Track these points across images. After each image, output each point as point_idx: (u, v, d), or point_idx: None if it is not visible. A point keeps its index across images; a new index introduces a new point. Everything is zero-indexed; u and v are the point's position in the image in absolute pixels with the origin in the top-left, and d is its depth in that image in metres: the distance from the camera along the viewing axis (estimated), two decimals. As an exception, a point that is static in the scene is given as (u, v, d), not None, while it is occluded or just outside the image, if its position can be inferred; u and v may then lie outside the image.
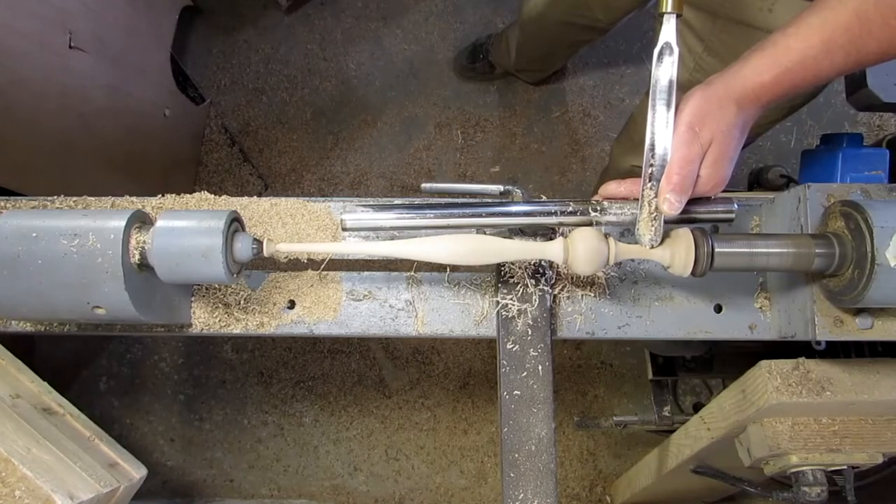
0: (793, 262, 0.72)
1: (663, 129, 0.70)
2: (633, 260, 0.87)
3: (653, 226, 0.73)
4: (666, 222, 0.76)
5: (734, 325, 0.86)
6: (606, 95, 2.16)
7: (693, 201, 0.75)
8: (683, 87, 0.71)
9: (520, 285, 0.82)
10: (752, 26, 1.05)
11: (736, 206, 0.76)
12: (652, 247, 0.73)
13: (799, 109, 1.23)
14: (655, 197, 0.71)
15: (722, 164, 0.71)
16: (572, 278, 0.86)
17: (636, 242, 0.75)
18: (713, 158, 0.70)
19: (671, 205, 0.70)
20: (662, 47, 0.70)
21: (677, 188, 0.69)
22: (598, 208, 0.76)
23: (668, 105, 0.70)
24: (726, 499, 1.53)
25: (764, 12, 1.02)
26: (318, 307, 0.86)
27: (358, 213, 0.77)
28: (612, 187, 0.78)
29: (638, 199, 0.74)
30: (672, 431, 1.28)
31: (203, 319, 0.85)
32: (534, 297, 0.82)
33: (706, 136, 0.69)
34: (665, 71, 0.70)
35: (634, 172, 1.54)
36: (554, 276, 0.84)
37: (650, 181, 0.71)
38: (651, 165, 0.71)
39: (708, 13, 1.11)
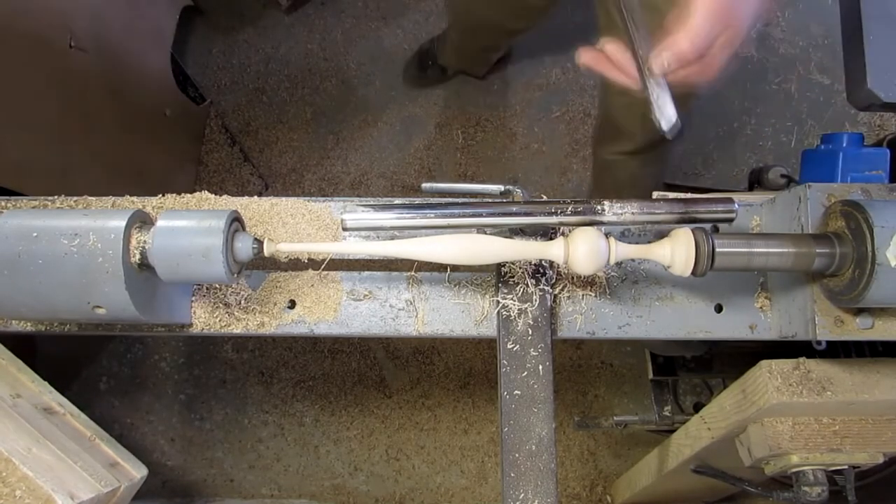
0: (793, 262, 0.72)
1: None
2: (633, 260, 0.86)
3: (664, 100, 0.68)
4: (666, 223, 0.76)
5: (734, 324, 0.86)
6: (607, 95, 2.16)
7: (693, 201, 0.75)
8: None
9: (520, 285, 0.82)
10: None
11: (736, 205, 0.76)
12: (675, 121, 0.68)
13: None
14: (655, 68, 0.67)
15: (728, 52, 0.68)
16: (572, 278, 0.86)
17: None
18: (724, 44, 0.68)
19: (661, 67, 0.66)
20: None
21: (681, 56, 0.66)
22: (599, 208, 0.76)
23: None
24: (727, 499, 1.53)
25: None
26: (319, 307, 0.86)
27: (358, 213, 0.77)
28: (617, 52, 0.71)
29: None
30: (672, 431, 1.28)
31: (203, 319, 0.85)
32: (534, 296, 0.82)
33: (730, 19, 0.67)
34: None
35: (616, 162, 1.53)
36: (554, 276, 0.84)
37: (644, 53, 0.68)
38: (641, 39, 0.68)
39: None
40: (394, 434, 1.94)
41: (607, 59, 0.73)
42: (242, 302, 0.86)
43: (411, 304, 0.87)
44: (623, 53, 0.71)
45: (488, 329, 0.86)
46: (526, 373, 0.79)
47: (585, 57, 0.74)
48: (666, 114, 0.69)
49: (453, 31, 1.88)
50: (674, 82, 0.69)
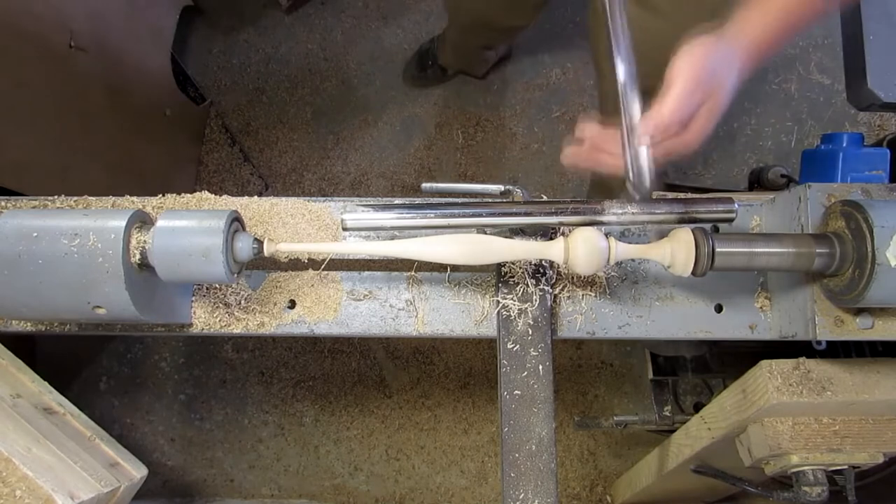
0: (793, 261, 0.72)
1: (628, 63, 0.69)
2: (633, 260, 0.87)
3: (643, 172, 0.71)
4: (666, 223, 0.76)
5: (734, 324, 0.86)
6: (607, 95, 2.16)
7: (693, 201, 0.75)
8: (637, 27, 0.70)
9: (520, 285, 0.82)
10: None
11: (736, 205, 0.76)
12: (648, 194, 0.71)
13: None
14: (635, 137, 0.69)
15: (711, 120, 0.70)
16: (573, 278, 0.86)
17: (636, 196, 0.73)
18: (706, 113, 0.70)
19: (645, 138, 0.68)
20: None
21: (662, 127, 0.68)
22: (599, 208, 0.76)
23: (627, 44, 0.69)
24: (727, 499, 1.53)
25: None
26: (319, 307, 0.86)
27: (358, 213, 0.77)
28: (595, 130, 0.74)
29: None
30: (672, 431, 1.28)
31: (203, 319, 0.85)
32: (534, 296, 0.82)
33: (710, 89, 0.69)
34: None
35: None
36: (554, 276, 0.84)
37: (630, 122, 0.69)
38: (629, 106, 0.69)
39: None
40: (394, 434, 1.94)
41: (589, 145, 0.75)
42: (242, 302, 0.86)
43: (411, 304, 0.87)
44: (603, 133, 0.73)
45: (488, 329, 0.86)
46: (526, 373, 0.79)
47: (569, 158, 0.77)
48: (641, 187, 0.71)
49: (452, 30, 1.89)
50: (658, 153, 0.71)
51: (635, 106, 0.69)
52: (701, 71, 0.67)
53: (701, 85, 0.67)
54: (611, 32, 0.69)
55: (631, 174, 0.71)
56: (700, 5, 1.04)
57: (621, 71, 0.68)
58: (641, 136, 0.68)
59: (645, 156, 0.70)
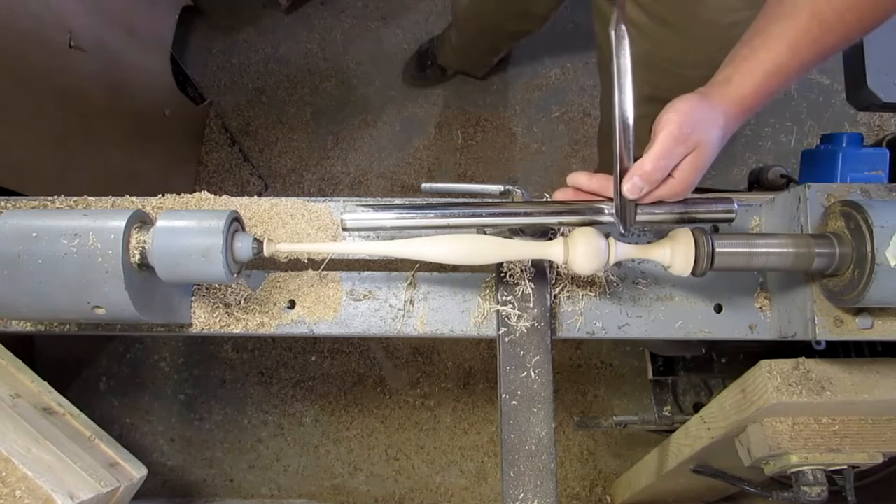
0: (793, 261, 0.72)
1: (629, 105, 0.70)
2: (633, 260, 0.87)
3: (630, 212, 0.73)
4: (666, 223, 0.76)
5: (734, 324, 0.86)
6: (606, 95, 2.16)
7: (693, 201, 0.75)
8: (640, 62, 0.71)
9: (520, 285, 0.82)
10: None
11: (736, 205, 0.76)
12: (626, 230, 0.74)
13: None
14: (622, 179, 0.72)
15: (695, 171, 0.72)
16: (572, 278, 0.86)
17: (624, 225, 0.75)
18: (690, 163, 0.71)
19: (633, 188, 0.70)
20: (618, 31, 0.70)
21: (646, 176, 0.70)
22: (599, 208, 0.76)
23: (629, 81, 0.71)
24: (726, 499, 1.53)
25: None
26: (319, 307, 0.86)
27: (358, 213, 0.77)
28: (583, 179, 0.78)
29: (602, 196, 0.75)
30: (672, 431, 1.28)
31: (203, 319, 0.85)
32: (534, 297, 0.82)
33: (693, 141, 0.70)
34: (625, 53, 0.70)
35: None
36: (554, 277, 0.84)
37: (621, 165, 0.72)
38: (624, 149, 0.71)
39: None
40: (393, 434, 1.94)
41: (582, 191, 0.79)
42: (242, 302, 0.86)
43: (411, 303, 0.87)
44: (590, 182, 0.77)
45: (488, 329, 0.86)
46: (525, 373, 0.79)
47: (559, 198, 0.80)
48: (626, 224, 0.73)
49: (456, 34, 1.89)
50: (647, 201, 0.73)
51: (628, 149, 0.71)
52: (683, 125, 0.69)
53: (682, 138, 0.70)
54: (614, 77, 0.70)
55: (617, 212, 0.73)
56: (710, 19, 1.04)
57: (618, 111, 0.70)
58: (626, 188, 0.71)
59: (633, 207, 0.73)
